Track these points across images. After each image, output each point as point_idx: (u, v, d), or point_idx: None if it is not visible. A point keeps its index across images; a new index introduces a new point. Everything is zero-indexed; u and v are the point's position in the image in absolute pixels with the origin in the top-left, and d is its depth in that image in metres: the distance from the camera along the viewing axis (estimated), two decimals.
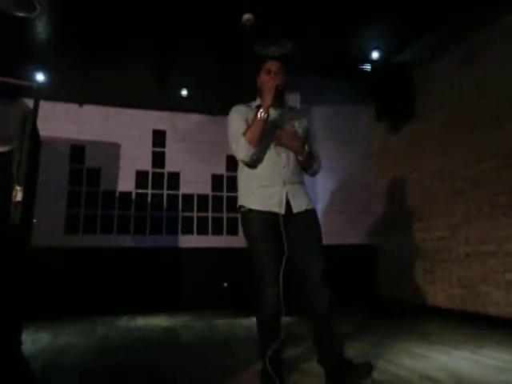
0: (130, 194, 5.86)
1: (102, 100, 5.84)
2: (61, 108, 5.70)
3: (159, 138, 6.16)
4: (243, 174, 2.24)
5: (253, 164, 2.16)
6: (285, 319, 2.10)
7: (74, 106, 5.83)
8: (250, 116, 2.15)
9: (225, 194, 6.28)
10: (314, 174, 2.38)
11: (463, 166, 4.20)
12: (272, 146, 2.17)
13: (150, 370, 2.55)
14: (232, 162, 6.37)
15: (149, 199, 5.93)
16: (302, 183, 2.26)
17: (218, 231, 6.13)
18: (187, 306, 5.35)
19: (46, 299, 4.81)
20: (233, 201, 6.29)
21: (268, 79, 2.19)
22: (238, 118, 2.22)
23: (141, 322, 4.53)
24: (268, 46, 4.37)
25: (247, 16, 3.75)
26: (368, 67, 5.02)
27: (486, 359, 2.59)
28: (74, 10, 3.81)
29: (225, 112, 7.10)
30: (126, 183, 5.87)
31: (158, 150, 6.13)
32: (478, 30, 4.03)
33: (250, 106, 2.29)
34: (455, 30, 4.22)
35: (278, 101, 2.19)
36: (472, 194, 4.07)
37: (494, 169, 3.83)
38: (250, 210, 2.14)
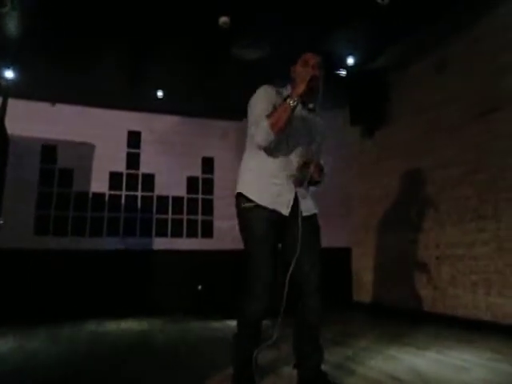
0: (103, 195, 5.76)
1: (75, 99, 5.73)
2: (32, 107, 5.56)
3: (134, 139, 6.07)
4: (256, 161, 2.07)
5: (268, 152, 2.01)
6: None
7: (46, 105, 5.69)
8: (278, 101, 1.96)
9: (200, 196, 6.24)
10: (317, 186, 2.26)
11: (434, 170, 4.30)
12: (290, 144, 2.04)
13: (115, 375, 2.50)
14: (208, 165, 6.36)
15: (122, 201, 5.84)
16: (308, 188, 2.17)
17: (192, 234, 6.09)
18: (160, 309, 5.27)
19: (13, 302, 4.67)
20: (208, 203, 6.27)
21: (304, 71, 2.01)
22: (264, 99, 2.02)
23: (111, 326, 4.42)
24: (245, 48, 4.38)
25: (223, 19, 3.75)
26: (343, 73, 5.08)
27: (451, 360, 2.65)
28: (46, 7, 3.72)
29: (201, 114, 7.09)
30: (99, 184, 5.76)
31: (132, 151, 6.05)
32: (449, 39, 4.15)
33: (279, 91, 2.11)
34: (427, 38, 4.33)
35: (306, 98, 2.03)
36: (442, 198, 4.17)
37: (464, 173, 3.94)
38: (254, 206, 2.00)
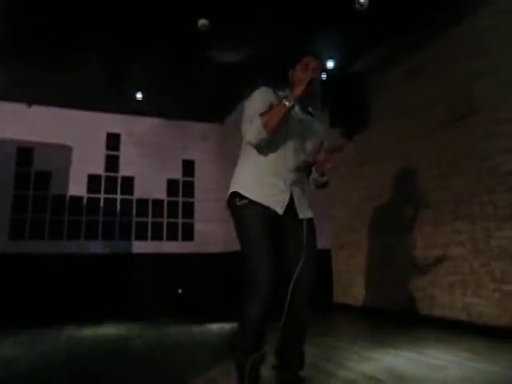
0: (81, 198, 5.66)
1: (52, 101, 5.63)
2: (7, 108, 5.44)
3: (113, 141, 6.00)
4: (251, 162, 2.05)
5: (263, 153, 2.00)
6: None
7: (22, 106, 5.57)
8: (275, 102, 1.96)
9: (180, 199, 6.20)
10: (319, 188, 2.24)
11: (412, 173, 4.37)
12: (288, 145, 2.02)
13: (93, 380, 2.45)
14: (188, 167, 6.32)
15: (101, 204, 5.75)
16: (305, 191, 2.16)
17: (172, 237, 6.04)
18: (140, 313, 5.19)
19: None
20: (189, 206, 6.22)
21: (303, 74, 1.96)
22: (260, 99, 2.02)
23: (88, 331, 4.33)
24: (225, 50, 4.38)
25: (202, 21, 3.74)
26: (323, 76, 5.12)
27: (429, 359, 2.69)
28: (22, 7, 3.65)
29: (181, 116, 7.04)
30: (77, 187, 5.67)
31: (111, 153, 5.97)
32: (425, 44, 4.23)
33: (277, 93, 2.09)
34: (404, 43, 4.41)
35: (304, 101, 2.08)
36: (421, 200, 4.24)
37: (439, 176, 4.01)
38: (251, 203, 1.95)
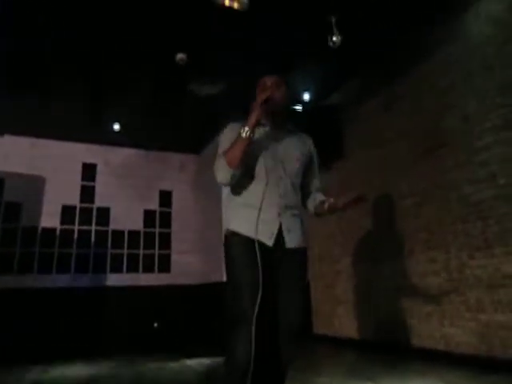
0: (54, 230, 5.51)
1: (26, 130, 5.55)
2: None
3: (89, 171, 5.92)
4: (231, 196, 2.01)
5: (244, 184, 1.92)
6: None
7: None
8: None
9: (157, 230, 6.11)
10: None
11: (386, 203, 4.44)
12: (268, 170, 1.91)
13: None
14: (165, 198, 6.27)
15: (75, 236, 5.60)
16: (298, 216, 2.01)
17: (149, 269, 5.90)
18: (113, 350, 5.00)
19: None
20: (165, 237, 6.13)
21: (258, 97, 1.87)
22: (227, 137, 1.95)
23: (56, 372, 4.08)
24: (202, 84, 4.45)
25: (180, 55, 3.80)
26: (299, 107, 5.25)
27: None
28: None
29: (159, 146, 7.04)
30: (50, 218, 5.52)
31: (87, 184, 5.88)
32: (397, 79, 4.39)
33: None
34: (375, 78, 4.60)
35: (275, 119, 1.99)
36: (395, 230, 4.29)
37: (413, 206, 4.09)
38: (235, 234, 1.89)
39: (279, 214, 1.90)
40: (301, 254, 1.98)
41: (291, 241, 1.92)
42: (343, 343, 4.84)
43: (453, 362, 3.41)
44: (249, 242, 1.84)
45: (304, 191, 2.14)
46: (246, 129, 1.80)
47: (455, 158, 3.68)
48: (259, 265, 1.80)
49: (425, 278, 3.87)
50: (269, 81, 2.01)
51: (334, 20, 3.45)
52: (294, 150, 2.03)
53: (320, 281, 5.52)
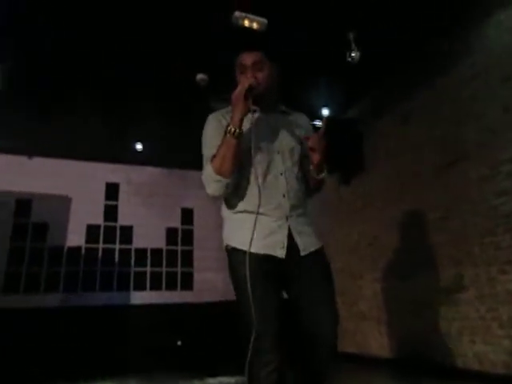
0: (79, 248, 5.61)
1: (53, 152, 5.72)
2: (8, 160, 5.52)
3: (112, 191, 6.04)
4: (227, 205, 1.71)
5: (242, 189, 1.63)
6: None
7: (22, 158, 5.65)
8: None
9: (179, 247, 6.15)
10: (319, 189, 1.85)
11: (409, 217, 4.37)
12: (264, 165, 1.62)
13: None
14: (187, 215, 6.32)
15: (99, 254, 5.69)
16: (306, 215, 1.72)
17: (171, 286, 5.93)
18: (137, 368, 5.00)
19: None
20: (187, 254, 6.16)
21: (240, 82, 1.58)
22: (210, 135, 1.65)
23: None
24: (222, 101, 4.50)
25: (201, 76, 3.87)
26: (319, 123, 5.25)
27: None
28: (22, 61, 3.78)
29: (180, 165, 7.11)
30: (75, 238, 5.64)
31: (110, 203, 5.99)
32: (415, 92, 4.36)
33: (224, 116, 1.69)
34: (395, 91, 4.57)
35: (264, 102, 1.66)
36: (419, 244, 4.21)
37: (438, 220, 4.01)
38: (239, 251, 1.58)
39: (286, 218, 1.62)
40: (320, 255, 1.70)
41: (305, 245, 1.64)
42: (369, 361, 4.72)
43: (489, 382, 3.27)
44: (256, 258, 1.55)
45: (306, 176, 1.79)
46: (232, 128, 1.50)
47: (479, 169, 3.61)
48: (274, 283, 1.58)
49: (453, 294, 3.76)
50: (248, 60, 1.66)
51: (352, 36, 3.47)
52: (291, 135, 1.73)
53: (343, 296, 5.43)
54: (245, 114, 1.53)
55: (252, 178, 1.61)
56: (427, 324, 4.03)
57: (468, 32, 3.74)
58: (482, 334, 3.44)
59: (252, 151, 1.54)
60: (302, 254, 1.62)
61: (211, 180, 1.57)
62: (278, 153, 1.68)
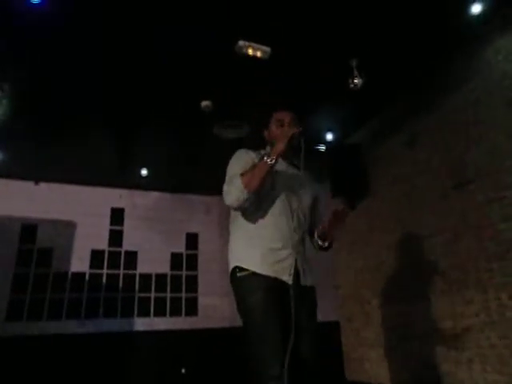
0: (83, 274, 5.58)
1: (59, 178, 5.77)
2: (15, 185, 5.57)
3: (117, 215, 6.06)
4: (242, 230, 1.89)
5: (250, 214, 1.85)
6: None
7: (29, 184, 5.70)
8: (256, 161, 1.86)
9: (184, 272, 6.11)
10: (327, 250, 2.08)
11: (415, 241, 4.32)
12: (282, 203, 1.87)
13: None
14: (192, 240, 6.29)
15: (104, 280, 5.66)
16: (304, 252, 1.96)
17: (176, 312, 5.85)
18: None
19: None
20: (192, 280, 6.11)
21: (280, 131, 1.94)
22: (242, 159, 1.92)
23: None
24: (226, 128, 4.56)
25: (205, 103, 3.93)
26: (322, 148, 5.26)
27: None
28: (33, 91, 3.87)
29: (184, 190, 7.14)
30: (79, 263, 5.62)
31: (115, 228, 5.99)
32: (420, 115, 4.40)
33: (257, 152, 1.99)
34: (399, 114, 4.61)
35: (287, 154, 1.93)
36: (427, 268, 4.15)
37: (444, 244, 3.96)
38: (251, 274, 1.74)
39: (295, 249, 1.84)
40: (313, 292, 1.92)
41: (306, 278, 1.85)
42: None
43: None
44: (268, 282, 1.73)
45: (310, 228, 2.08)
46: (271, 156, 1.74)
47: (485, 193, 3.59)
48: (278, 307, 1.70)
49: (462, 320, 3.68)
50: (287, 117, 2.04)
51: (354, 63, 3.53)
52: (305, 184, 2.04)
53: (350, 323, 5.33)
54: (284, 152, 1.77)
55: (272, 210, 1.86)
56: (436, 352, 3.93)
57: (469, 57, 3.79)
58: (493, 362, 3.35)
59: (277, 188, 1.87)
60: (302, 283, 1.82)
61: (237, 189, 1.75)
62: (295, 195, 1.96)
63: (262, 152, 1.94)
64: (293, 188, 1.95)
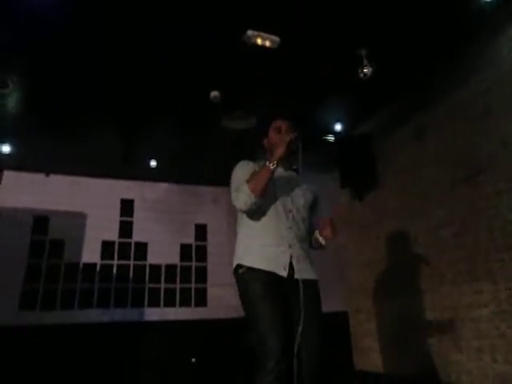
0: (94, 265, 5.65)
1: (69, 169, 5.82)
2: (26, 178, 5.63)
3: (127, 207, 6.10)
4: (244, 231, 2.12)
5: (251, 215, 2.05)
6: None
7: (40, 176, 5.76)
8: (258, 170, 2.04)
9: (193, 263, 6.15)
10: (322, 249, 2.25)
11: (424, 232, 4.31)
12: (277, 205, 2.07)
13: None
14: (201, 231, 6.33)
15: (114, 271, 5.72)
16: (306, 249, 2.13)
17: (185, 303, 5.91)
18: None
19: None
20: (201, 271, 6.16)
21: (279, 137, 2.11)
22: (244, 169, 2.11)
23: None
24: (234, 119, 4.56)
25: (214, 93, 3.93)
26: (331, 138, 5.26)
27: None
28: (42, 84, 3.90)
29: (193, 181, 7.15)
30: (91, 254, 5.68)
31: (125, 219, 6.04)
32: (429, 106, 4.36)
33: (257, 163, 2.17)
34: (408, 105, 4.57)
35: (284, 160, 2.06)
36: (434, 260, 4.14)
37: (453, 235, 3.95)
38: (250, 269, 1.96)
39: (290, 246, 2.01)
40: (315, 285, 2.06)
41: (300, 272, 1.98)
42: (384, 380, 4.62)
43: None
44: (264, 275, 1.93)
45: (310, 229, 2.22)
46: (272, 161, 1.93)
47: (495, 184, 3.56)
48: (276, 298, 1.88)
49: (471, 310, 3.68)
50: (284, 124, 2.22)
51: (364, 53, 3.50)
52: (301, 187, 2.21)
53: (358, 314, 5.36)
54: (283, 156, 1.95)
55: (270, 211, 2.05)
56: (445, 342, 3.94)
57: (480, 46, 3.74)
58: (504, 352, 3.36)
59: (274, 191, 2.05)
60: (296, 276, 1.96)
61: (244, 194, 1.94)
62: (291, 197, 2.13)
63: (261, 162, 2.12)
64: (288, 190, 2.14)
